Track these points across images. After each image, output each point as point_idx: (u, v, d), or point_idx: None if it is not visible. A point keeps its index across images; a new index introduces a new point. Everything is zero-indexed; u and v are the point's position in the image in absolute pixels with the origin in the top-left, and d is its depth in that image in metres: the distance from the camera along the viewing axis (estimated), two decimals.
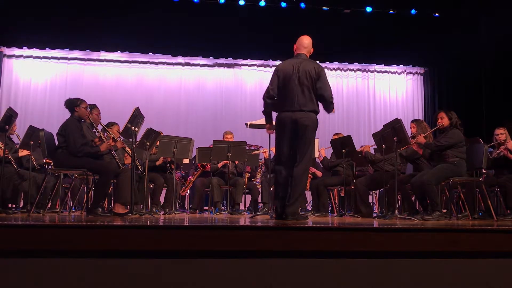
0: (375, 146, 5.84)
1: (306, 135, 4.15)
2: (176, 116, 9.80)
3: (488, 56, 9.51)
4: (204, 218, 4.80)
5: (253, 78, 10.20)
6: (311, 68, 4.22)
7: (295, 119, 4.12)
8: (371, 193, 7.04)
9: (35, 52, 9.48)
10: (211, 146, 6.32)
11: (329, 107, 4.31)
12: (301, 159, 4.16)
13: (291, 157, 4.20)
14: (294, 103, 4.14)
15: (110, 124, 5.85)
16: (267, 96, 4.32)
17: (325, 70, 10.41)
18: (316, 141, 6.26)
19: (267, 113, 4.44)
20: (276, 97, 4.28)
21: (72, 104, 4.73)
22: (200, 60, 10.03)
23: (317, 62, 10.67)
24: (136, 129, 4.87)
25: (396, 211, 5.11)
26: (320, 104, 4.29)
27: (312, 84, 4.19)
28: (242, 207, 6.78)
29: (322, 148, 6.85)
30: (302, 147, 4.15)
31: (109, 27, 8.72)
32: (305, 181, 4.44)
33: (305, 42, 4.40)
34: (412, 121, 5.84)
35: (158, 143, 5.94)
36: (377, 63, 10.40)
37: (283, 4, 9.27)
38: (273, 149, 5.08)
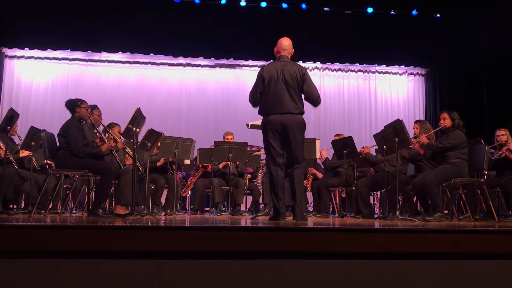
0: (376, 147, 5.83)
1: (297, 137, 4.23)
2: (178, 117, 9.79)
3: (489, 56, 9.49)
4: (205, 219, 4.81)
5: (255, 78, 10.17)
6: (296, 70, 4.30)
7: (284, 122, 4.20)
8: (372, 194, 7.03)
9: (36, 53, 9.48)
10: (212, 147, 6.32)
11: (315, 104, 4.46)
12: (298, 160, 4.25)
13: (283, 158, 4.29)
14: (282, 106, 4.22)
15: (111, 125, 5.85)
16: (251, 100, 4.46)
17: (326, 70, 10.50)
18: (317, 142, 6.27)
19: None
20: (261, 100, 4.37)
21: (72, 104, 4.74)
22: (201, 61, 10.03)
23: (318, 62, 10.65)
24: (137, 130, 4.87)
25: (397, 212, 5.11)
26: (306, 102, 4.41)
27: (298, 86, 4.28)
28: (243, 208, 6.77)
29: (323, 149, 6.85)
30: (296, 149, 4.23)
31: (111, 28, 8.73)
32: (303, 180, 4.52)
33: (285, 44, 4.44)
34: (416, 122, 5.84)
35: (159, 144, 5.94)
36: (378, 64, 10.38)
37: (284, 5, 9.27)
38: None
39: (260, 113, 4.40)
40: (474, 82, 9.71)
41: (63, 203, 5.92)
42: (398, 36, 9.43)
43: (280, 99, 4.22)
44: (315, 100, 4.37)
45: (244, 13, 9.16)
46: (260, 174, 7.54)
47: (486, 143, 5.84)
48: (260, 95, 4.38)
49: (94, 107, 5.27)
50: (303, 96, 4.37)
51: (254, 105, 4.48)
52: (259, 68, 10.59)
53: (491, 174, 5.92)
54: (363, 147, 6.32)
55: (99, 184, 4.72)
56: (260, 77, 4.38)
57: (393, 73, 10.67)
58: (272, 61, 4.48)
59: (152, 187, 6.30)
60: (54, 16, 8.51)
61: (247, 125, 5.57)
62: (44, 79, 9.60)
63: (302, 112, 4.30)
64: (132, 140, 4.90)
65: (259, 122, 5.37)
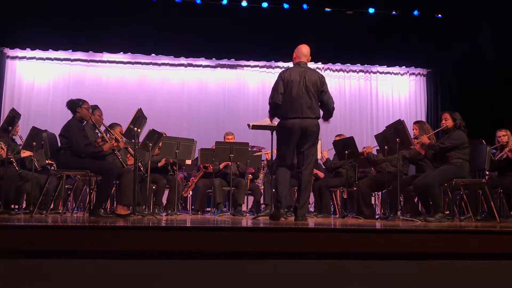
0: (378, 148, 5.83)
1: (313, 141, 4.38)
2: (179, 117, 9.79)
3: (490, 57, 9.48)
4: (206, 219, 4.81)
5: (256, 79, 10.20)
6: (316, 78, 4.45)
7: (304, 127, 4.32)
8: (373, 195, 7.03)
9: (38, 53, 9.48)
10: (214, 147, 6.32)
11: (329, 116, 4.56)
12: (309, 163, 4.37)
13: (292, 160, 4.42)
14: (302, 111, 4.33)
15: (113, 125, 5.85)
16: (273, 103, 4.45)
17: (328, 71, 10.53)
18: (319, 142, 6.26)
19: (272, 116, 4.63)
20: (282, 103, 4.43)
21: (74, 105, 4.74)
22: (202, 61, 10.03)
23: (320, 63, 10.64)
24: (139, 130, 4.87)
25: (399, 213, 5.10)
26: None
27: (317, 92, 4.41)
28: (244, 208, 6.77)
29: (324, 150, 6.84)
30: (309, 152, 4.37)
31: (112, 28, 8.73)
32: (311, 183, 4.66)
33: (305, 51, 4.59)
34: (415, 123, 5.83)
35: (160, 144, 5.94)
36: (380, 64, 10.37)
37: (286, 6, 9.27)
38: (274, 151, 5.19)
39: (278, 116, 4.50)
40: (476, 82, 9.69)
41: (64, 203, 5.92)
42: (400, 37, 9.42)
43: (301, 104, 4.34)
44: (330, 111, 4.49)
45: (246, 13, 9.16)
46: (261, 175, 7.54)
47: (488, 143, 5.84)
48: (281, 97, 4.45)
49: (95, 108, 5.28)
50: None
51: (274, 109, 4.48)
52: (260, 69, 10.66)
53: (492, 175, 5.91)
54: (364, 147, 6.31)
55: (100, 185, 4.72)
56: (281, 81, 4.45)
57: (395, 74, 10.66)
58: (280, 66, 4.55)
59: (154, 187, 6.29)
60: (56, 16, 8.51)
61: (249, 125, 5.56)
62: (46, 80, 9.61)
63: (319, 117, 4.44)
64: (133, 141, 4.90)
65: (260, 122, 5.38)
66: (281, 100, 4.42)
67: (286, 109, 4.39)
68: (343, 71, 10.49)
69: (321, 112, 4.48)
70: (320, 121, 4.49)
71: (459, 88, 9.80)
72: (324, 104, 4.46)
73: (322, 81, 4.45)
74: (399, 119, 5.23)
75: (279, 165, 4.46)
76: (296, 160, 4.47)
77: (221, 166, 6.75)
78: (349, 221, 5.37)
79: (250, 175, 6.99)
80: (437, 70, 10.32)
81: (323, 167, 7.06)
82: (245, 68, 10.21)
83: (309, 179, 4.40)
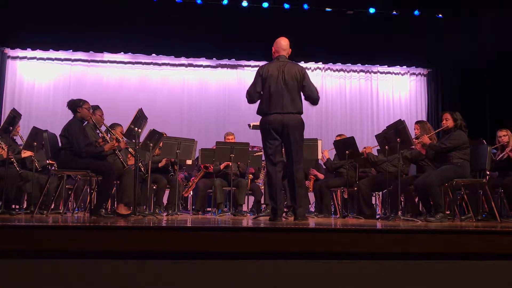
0: (378, 147, 5.83)
1: (297, 137, 4.25)
2: (179, 117, 9.80)
3: (490, 57, 9.48)
4: (207, 219, 4.82)
5: None
6: (296, 71, 4.33)
7: (285, 123, 4.21)
8: (374, 195, 7.02)
9: (38, 53, 9.49)
10: (214, 147, 6.33)
11: (316, 103, 4.49)
12: (298, 161, 4.26)
13: (282, 158, 4.33)
14: (282, 106, 4.22)
15: (114, 126, 5.85)
16: (249, 97, 4.45)
17: (328, 71, 10.50)
18: (319, 142, 6.26)
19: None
20: (261, 100, 4.37)
21: (74, 105, 4.74)
22: (203, 61, 10.03)
23: (320, 62, 10.63)
24: (139, 130, 4.87)
25: (399, 213, 5.10)
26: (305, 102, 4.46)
27: (297, 86, 4.30)
28: (245, 208, 6.77)
29: (325, 150, 6.83)
30: (296, 149, 4.25)
31: (112, 29, 8.74)
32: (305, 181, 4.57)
33: (284, 44, 4.50)
34: (416, 123, 5.83)
35: (161, 144, 5.94)
36: (380, 64, 10.37)
37: (286, 6, 9.27)
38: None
39: (258, 113, 4.41)
40: (476, 82, 9.69)
41: (65, 204, 5.93)
42: (400, 37, 9.42)
43: (281, 99, 4.22)
44: (315, 99, 4.40)
45: (246, 13, 9.16)
46: (262, 175, 7.54)
47: (488, 143, 5.84)
48: (258, 94, 4.39)
49: (96, 108, 5.28)
50: (302, 96, 4.39)
51: (251, 102, 4.47)
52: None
53: (493, 175, 5.91)
54: (364, 147, 6.31)
55: (101, 185, 4.72)
56: (259, 76, 4.38)
57: (395, 74, 10.65)
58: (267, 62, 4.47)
59: (154, 187, 6.30)
60: (56, 16, 8.52)
61: (249, 125, 5.56)
62: (46, 80, 9.61)
63: (301, 112, 4.32)
64: (134, 141, 4.90)
65: None
66: (258, 97, 4.37)
67: (266, 105, 4.29)
68: (344, 71, 10.48)
69: (306, 108, 4.41)
70: (310, 116, 4.39)
71: (460, 88, 9.81)
72: (307, 96, 4.38)
73: (302, 73, 4.32)
74: (400, 119, 5.23)
75: (268, 164, 4.34)
76: (286, 159, 4.38)
77: (222, 166, 6.75)
78: (349, 221, 5.37)
79: (250, 175, 6.99)
80: (438, 70, 10.32)
81: (324, 167, 7.06)
82: (245, 68, 10.20)
83: (302, 177, 4.30)
